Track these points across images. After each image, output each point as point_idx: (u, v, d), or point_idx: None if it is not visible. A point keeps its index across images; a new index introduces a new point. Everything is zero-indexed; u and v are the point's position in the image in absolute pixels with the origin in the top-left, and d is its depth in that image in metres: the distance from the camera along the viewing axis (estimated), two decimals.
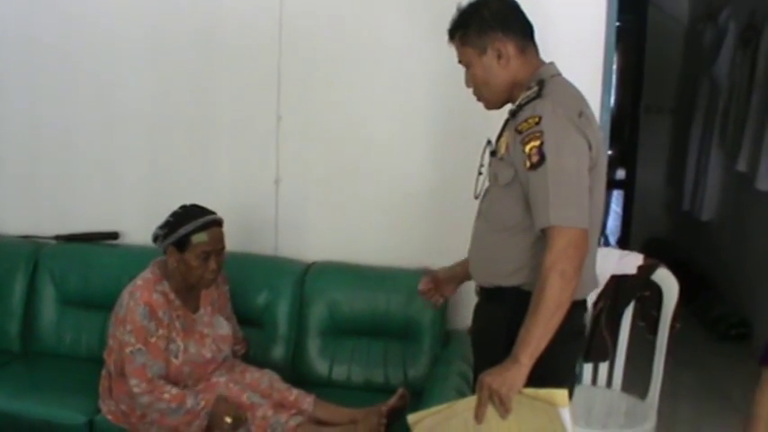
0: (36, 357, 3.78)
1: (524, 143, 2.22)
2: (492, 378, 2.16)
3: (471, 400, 2.23)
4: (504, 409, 2.16)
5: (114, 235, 3.97)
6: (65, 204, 4.04)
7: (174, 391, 3.01)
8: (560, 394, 2.16)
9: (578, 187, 2.22)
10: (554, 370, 2.21)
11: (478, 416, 2.20)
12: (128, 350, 2.99)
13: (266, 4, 3.66)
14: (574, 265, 2.17)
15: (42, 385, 3.50)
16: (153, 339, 3.02)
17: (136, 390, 2.98)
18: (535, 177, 2.21)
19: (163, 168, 3.91)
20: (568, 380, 2.40)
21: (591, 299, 3.18)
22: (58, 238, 3.98)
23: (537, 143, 2.20)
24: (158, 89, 3.87)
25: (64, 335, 3.78)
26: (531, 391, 2.17)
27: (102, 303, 3.57)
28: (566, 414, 2.16)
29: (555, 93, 2.29)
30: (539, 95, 2.27)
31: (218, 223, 3.13)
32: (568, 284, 2.16)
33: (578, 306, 2.38)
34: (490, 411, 2.19)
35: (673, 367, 3.41)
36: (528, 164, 2.21)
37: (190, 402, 3.01)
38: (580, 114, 2.27)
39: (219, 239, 3.13)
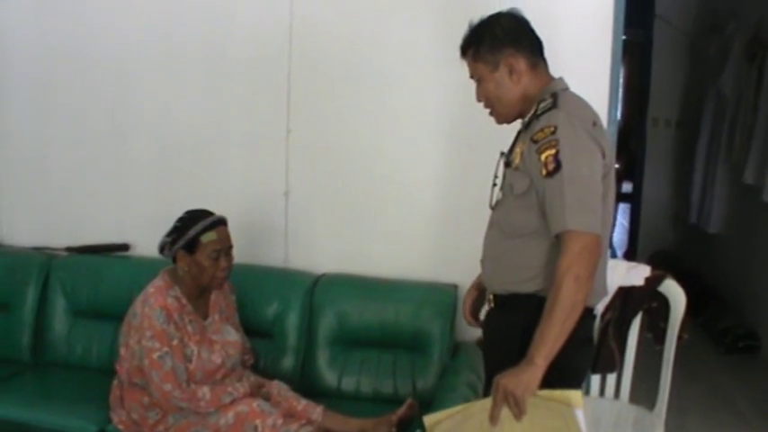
0: (47, 368, 3.80)
1: (540, 152, 2.28)
2: (507, 380, 2.20)
3: (486, 402, 2.26)
4: (518, 410, 2.20)
5: (125, 246, 4.00)
6: (76, 216, 4.07)
7: (208, 396, 3.05)
8: (575, 395, 2.20)
9: (593, 194, 2.28)
10: (564, 375, 2.24)
11: (493, 417, 2.23)
12: (155, 355, 3.01)
13: (276, 19, 3.69)
14: (588, 270, 2.22)
15: (54, 395, 3.52)
16: (175, 342, 3.05)
17: (175, 393, 3.01)
18: (551, 184, 2.26)
19: (173, 180, 3.94)
20: (577, 387, 2.42)
21: (598, 310, 3.20)
22: (69, 249, 4.01)
23: (553, 151, 2.26)
24: (169, 102, 3.91)
25: (75, 345, 3.80)
26: (545, 392, 2.20)
27: (113, 314, 3.59)
28: (580, 415, 2.19)
29: (569, 104, 2.35)
30: (554, 106, 2.33)
31: (223, 222, 3.20)
32: (582, 288, 2.21)
33: (588, 313, 2.42)
34: (504, 413, 2.23)
35: (680, 379, 3.41)
36: (544, 171, 2.27)
37: (227, 399, 3.07)
38: (594, 124, 2.34)
39: (227, 237, 3.20)
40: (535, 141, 2.31)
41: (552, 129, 2.28)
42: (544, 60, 2.49)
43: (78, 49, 3.96)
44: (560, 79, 2.48)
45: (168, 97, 3.90)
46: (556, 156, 2.25)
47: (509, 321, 2.44)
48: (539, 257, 2.36)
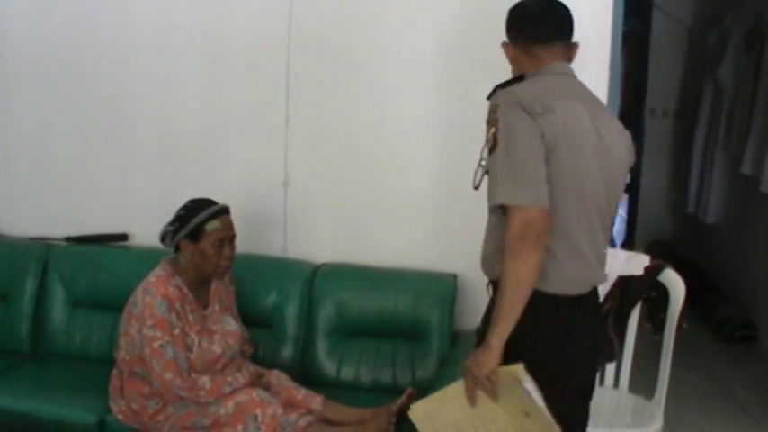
0: (46, 358, 3.80)
1: (487, 131, 2.34)
2: (469, 362, 2.31)
3: (460, 384, 2.35)
4: (489, 391, 2.29)
5: (124, 236, 3.99)
6: (75, 206, 4.07)
7: (209, 385, 3.06)
8: (518, 369, 2.24)
9: (529, 170, 2.25)
10: (537, 369, 2.26)
11: (470, 399, 2.33)
12: (156, 344, 3.01)
13: (275, 8, 3.69)
14: (529, 244, 2.21)
15: (53, 385, 3.52)
16: (176, 331, 3.06)
17: (176, 382, 3.02)
18: (492, 161, 2.31)
19: (172, 170, 3.94)
20: (565, 381, 2.40)
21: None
22: (68, 239, 4.01)
23: (493, 129, 2.30)
24: (167, 91, 3.90)
25: (74, 335, 3.80)
26: (500, 370, 2.27)
27: (112, 304, 3.61)
28: (530, 387, 2.24)
29: (523, 85, 2.39)
30: (504, 86, 2.42)
31: (227, 211, 3.22)
32: (524, 264, 2.21)
33: (562, 301, 2.37)
34: (481, 394, 2.31)
35: (678, 369, 3.42)
36: (488, 149, 2.34)
37: (227, 389, 3.07)
38: (543, 105, 2.30)
39: (231, 226, 3.21)
40: (487, 122, 2.36)
41: (495, 107, 2.32)
42: (546, 46, 2.45)
43: (78, 39, 3.95)
44: (552, 65, 2.46)
45: (167, 87, 3.90)
46: (495, 134, 2.29)
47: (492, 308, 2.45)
48: (500, 240, 2.33)
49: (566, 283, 2.37)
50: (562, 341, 2.38)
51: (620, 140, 2.46)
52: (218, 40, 3.81)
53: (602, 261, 2.49)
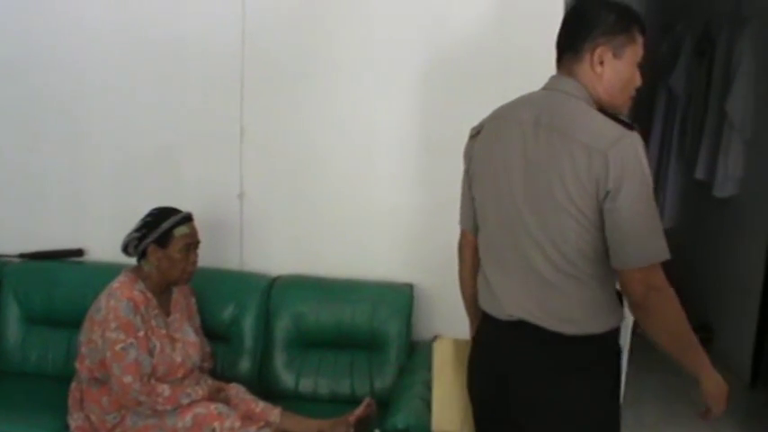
0: (1, 377, 3.74)
1: None
2: None
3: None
4: None
5: (79, 252, 3.96)
6: (28, 222, 4.02)
7: (167, 393, 3.05)
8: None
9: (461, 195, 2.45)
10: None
11: None
12: (118, 347, 3.01)
13: (229, 17, 3.68)
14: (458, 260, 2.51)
15: (9, 404, 3.47)
16: (141, 333, 3.06)
17: (135, 386, 3.01)
18: None
19: (127, 184, 3.91)
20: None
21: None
22: (22, 256, 3.96)
23: None
24: (122, 105, 3.87)
25: (29, 353, 3.75)
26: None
27: (68, 321, 3.59)
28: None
29: (506, 103, 2.35)
30: None
31: (191, 218, 3.26)
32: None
33: (483, 312, 2.41)
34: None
35: (636, 372, 3.45)
36: None
37: (185, 400, 3.07)
38: (477, 127, 2.37)
39: (197, 232, 3.27)
40: None
41: None
42: (561, 59, 2.30)
43: (31, 53, 3.91)
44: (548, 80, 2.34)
45: (122, 101, 3.87)
46: None
47: None
48: None
49: (480, 296, 2.41)
50: (474, 346, 2.46)
51: (561, 163, 2.11)
52: (172, 53, 3.79)
53: (509, 295, 2.27)
